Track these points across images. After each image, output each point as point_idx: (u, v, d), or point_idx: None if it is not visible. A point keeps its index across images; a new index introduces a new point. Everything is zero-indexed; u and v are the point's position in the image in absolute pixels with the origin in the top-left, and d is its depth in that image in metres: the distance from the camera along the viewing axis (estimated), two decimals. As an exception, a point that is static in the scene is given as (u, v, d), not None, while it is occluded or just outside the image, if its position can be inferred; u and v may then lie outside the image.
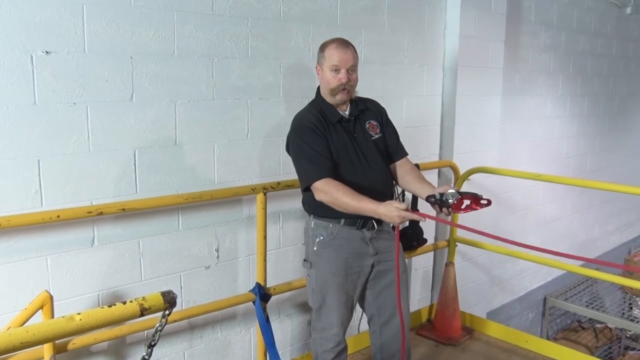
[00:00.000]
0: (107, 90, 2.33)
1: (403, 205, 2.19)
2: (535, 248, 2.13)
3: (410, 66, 3.56)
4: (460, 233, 3.75)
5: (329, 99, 2.44)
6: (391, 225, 2.57)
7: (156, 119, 2.49)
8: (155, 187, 2.53)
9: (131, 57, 2.38)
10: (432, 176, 3.81)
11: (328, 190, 2.26)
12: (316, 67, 2.47)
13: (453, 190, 2.23)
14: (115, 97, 2.36)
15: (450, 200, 2.22)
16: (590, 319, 5.67)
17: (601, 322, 5.59)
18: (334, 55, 2.35)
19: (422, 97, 3.68)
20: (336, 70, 2.36)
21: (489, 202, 2.22)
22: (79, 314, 1.35)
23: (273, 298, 2.87)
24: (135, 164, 2.46)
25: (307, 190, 2.36)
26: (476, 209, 2.22)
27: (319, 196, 2.30)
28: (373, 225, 2.47)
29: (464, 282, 4.00)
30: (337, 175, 2.34)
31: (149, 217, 2.54)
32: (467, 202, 2.23)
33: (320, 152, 2.32)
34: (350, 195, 2.25)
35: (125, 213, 2.41)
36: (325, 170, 2.30)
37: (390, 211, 2.18)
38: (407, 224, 3.31)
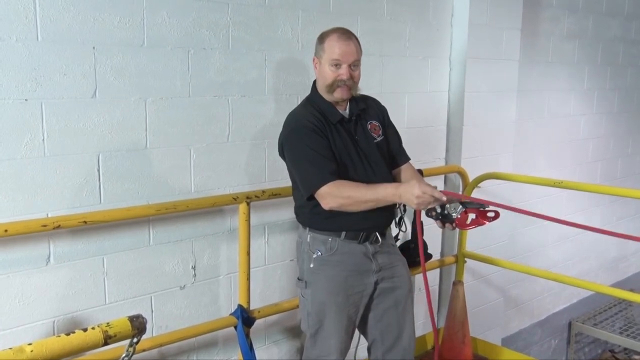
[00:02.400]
0: (65, 85, 2.32)
1: (427, 187, 2.19)
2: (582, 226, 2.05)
3: (413, 59, 3.57)
4: (470, 247, 3.75)
5: (326, 96, 2.45)
6: (395, 235, 2.57)
7: (123, 118, 2.49)
8: (122, 197, 2.52)
9: (93, 48, 2.38)
10: (437, 183, 3.80)
11: (337, 193, 2.28)
12: (313, 60, 2.48)
13: (455, 201, 2.25)
14: (75, 93, 2.35)
15: (453, 215, 2.24)
16: (625, 349, 5.58)
17: (639, 353, 5.55)
18: (334, 48, 2.36)
19: (426, 94, 3.69)
20: (336, 65, 2.37)
21: (497, 215, 2.25)
22: (29, 344, 1.34)
23: (258, 322, 2.87)
24: (99, 170, 2.45)
25: (311, 198, 2.36)
26: (483, 224, 2.24)
27: (327, 203, 2.31)
28: (377, 238, 2.50)
29: (475, 303, 4.00)
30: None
31: (114, 231, 2.53)
32: (472, 216, 2.25)
33: (324, 154, 2.34)
34: (363, 188, 2.28)
35: (87, 226, 2.40)
36: (330, 174, 2.31)
37: (412, 186, 2.19)
38: (409, 236, 3.31)
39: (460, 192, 3.76)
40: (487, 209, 2.26)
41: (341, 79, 2.38)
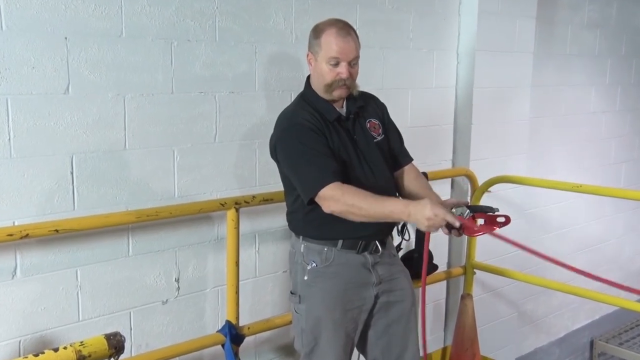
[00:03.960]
0: (34, 80, 2.32)
1: (440, 209, 2.17)
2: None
3: (417, 51, 3.58)
4: (480, 257, 3.75)
5: (322, 93, 2.46)
6: (397, 244, 2.56)
7: (99, 116, 2.48)
8: (98, 203, 2.52)
9: (66, 38, 2.37)
10: (444, 187, 3.81)
11: (340, 197, 2.26)
12: (307, 56, 2.48)
13: (462, 207, 2.27)
14: (45, 88, 2.34)
15: None
16: (656, 371, 5.57)
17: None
18: (332, 45, 2.36)
19: (431, 90, 3.69)
20: (335, 63, 2.37)
21: (507, 220, 2.26)
22: (-8, 365, 1.33)
23: (247, 340, 2.87)
24: (72, 174, 2.45)
25: (310, 203, 2.35)
26: (493, 230, 2.24)
27: (329, 207, 2.29)
28: (377, 247, 2.50)
29: (486, 319, 3.99)
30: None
31: (89, 240, 2.52)
32: (480, 221, 2.26)
33: (324, 152, 2.34)
34: (370, 198, 2.26)
35: (58, 235, 2.38)
36: (332, 174, 2.30)
37: (424, 206, 2.17)
38: (412, 245, 3.30)
39: (469, 198, 3.75)
40: (496, 213, 2.27)
41: (340, 78, 2.38)
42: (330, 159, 2.34)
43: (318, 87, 2.45)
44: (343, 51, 2.36)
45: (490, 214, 2.27)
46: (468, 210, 2.26)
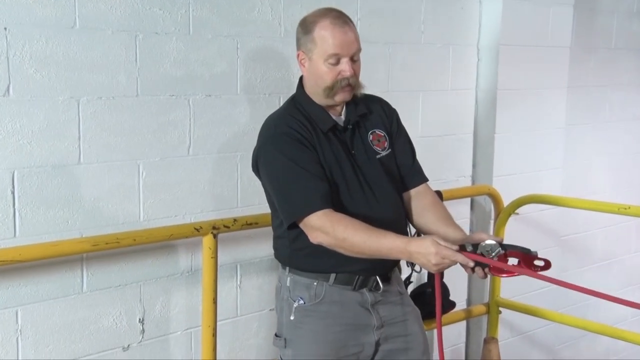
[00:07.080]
0: (-35, 79, 2.33)
1: (443, 242, 2.17)
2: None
3: (430, 47, 3.59)
4: (505, 294, 3.72)
5: (319, 98, 2.44)
6: (407, 277, 2.53)
7: (48, 123, 2.48)
8: (45, 228, 2.51)
9: (5, 29, 2.37)
10: (462, 209, 3.81)
11: (329, 229, 2.26)
12: (298, 56, 2.46)
13: (493, 242, 2.23)
14: (-21, 89, 2.35)
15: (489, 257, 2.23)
16: None
17: None
18: (329, 39, 2.34)
19: (446, 93, 3.71)
20: (334, 61, 2.35)
21: (548, 264, 2.22)
22: None
23: (227, 393, 2.88)
24: (13, 193, 2.43)
25: (292, 226, 2.34)
26: (527, 273, 2.21)
27: (316, 237, 2.29)
28: (377, 284, 2.47)
29: (516, 367, 3.97)
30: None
31: (34, 274, 2.50)
32: (513, 261, 2.23)
33: (313, 171, 2.32)
34: (364, 233, 2.25)
35: (-5, 267, 2.37)
36: (322, 198, 2.29)
37: (427, 249, 2.16)
38: (424, 278, 3.27)
39: (492, 221, 3.73)
40: (534, 254, 2.24)
41: (344, 77, 2.36)
42: (320, 180, 2.33)
43: (315, 91, 2.43)
44: (343, 45, 2.34)
45: (527, 254, 2.23)
46: (499, 248, 2.22)
